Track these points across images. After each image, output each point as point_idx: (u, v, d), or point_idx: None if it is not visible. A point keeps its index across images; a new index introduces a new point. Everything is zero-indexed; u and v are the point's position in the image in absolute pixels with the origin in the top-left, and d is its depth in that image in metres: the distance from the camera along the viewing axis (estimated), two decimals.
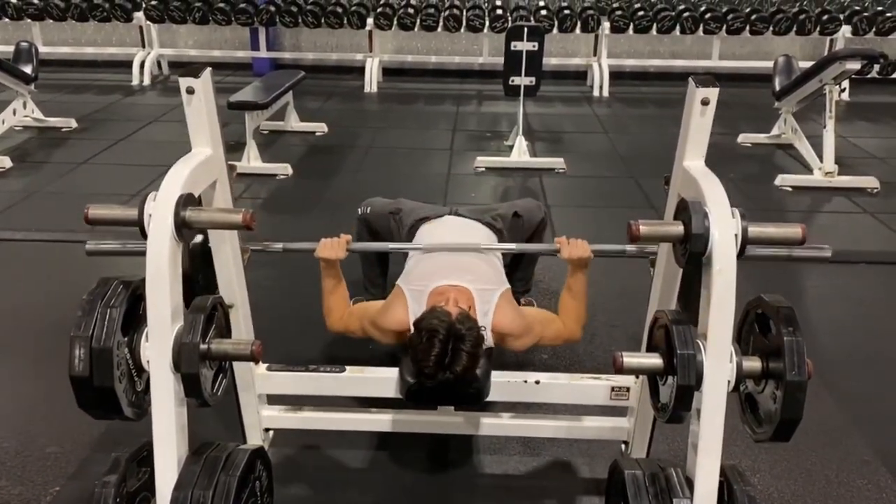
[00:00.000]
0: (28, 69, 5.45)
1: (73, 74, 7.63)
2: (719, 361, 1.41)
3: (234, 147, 4.84)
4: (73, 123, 5.83)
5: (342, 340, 2.89)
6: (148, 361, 1.44)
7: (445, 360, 1.81)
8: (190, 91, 1.61)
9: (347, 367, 2.15)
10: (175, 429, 1.43)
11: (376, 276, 2.78)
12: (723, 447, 1.43)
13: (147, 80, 7.42)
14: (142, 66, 7.45)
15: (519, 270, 2.79)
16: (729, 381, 1.44)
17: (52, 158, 5.25)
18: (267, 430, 2.27)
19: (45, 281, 3.45)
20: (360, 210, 2.74)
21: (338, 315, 2.22)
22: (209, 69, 1.63)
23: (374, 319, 2.15)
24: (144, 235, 1.43)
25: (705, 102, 1.57)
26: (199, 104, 1.62)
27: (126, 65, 7.49)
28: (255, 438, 2.22)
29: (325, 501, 2.16)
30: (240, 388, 2.11)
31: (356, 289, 2.76)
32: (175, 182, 1.47)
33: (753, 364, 1.47)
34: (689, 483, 1.45)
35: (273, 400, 2.27)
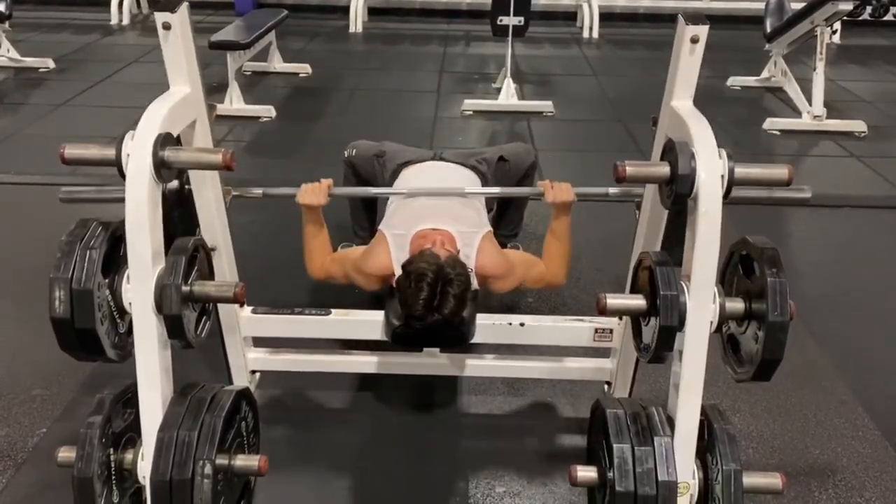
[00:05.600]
0: (2, 7, 5.27)
1: (49, 13, 7.40)
2: (702, 302, 1.42)
3: (216, 88, 4.75)
4: (51, 64, 5.68)
5: (328, 285, 2.89)
6: (130, 303, 1.44)
7: (434, 302, 1.81)
8: (166, 27, 1.56)
9: (333, 311, 2.15)
10: (159, 370, 1.43)
11: (364, 220, 2.76)
12: (704, 387, 1.45)
13: (126, 20, 7.21)
14: (120, 4, 7.22)
15: (507, 215, 2.77)
16: (711, 322, 1.45)
17: (29, 100, 5.13)
18: (253, 372, 2.29)
19: (24, 224, 3.41)
20: (346, 153, 2.70)
21: (319, 262, 2.19)
22: (186, 3, 1.57)
23: (357, 265, 2.15)
24: (123, 176, 1.40)
25: (695, 40, 1.54)
26: (176, 40, 1.58)
27: (104, 3, 7.25)
28: (241, 380, 2.23)
29: (311, 441, 2.19)
30: (225, 331, 2.12)
31: (345, 234, 2.75)
32: (153, 121, 1.43)
33: (736, 305, 1.48)
34: (671, 422, 1.47)
35: (259, 342, 2.28)
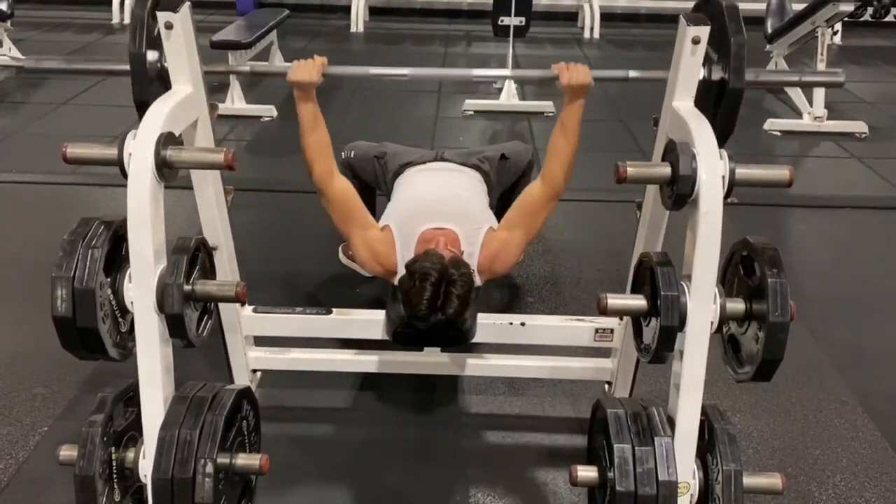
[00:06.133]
0: (3, 6, 5.28)
1: (50, 12, 7.41)
2: (703, 303, 1.42)
3: (217, 88, 4.75)
4: None
5: (329, 284, 2.91)
6: (132, 302, 1.44)
7: (437, 303, 1.81)
8: (168, 26, 1.56)
9: (334, 310, 2.16)
10: (160, 369, 1.44)
11: None
12: (704, 387, 1.45)
13: (127, 19, 7.22)
14: (122, 3, 7.23)
15: (508, 208, 2.77)
16: (712, 323, 1.45)
17: (31, 99, 5.13)
18: (254, 371, 2.29)
19: (25, 223, 3.41)
20: (343, 154, 2.69)
21: (323, 164, 2.06)
22: (188, 3, 1.58)
23: (367, 234, 2.08)
24: (125, 175, 1.40)
25: (696, 41, 1.54)
26: (179, 40, 1.58)
27: (105, 2, 7.26)
28: (242, 379, 2.23)
29: (312, 440, 2.19)
30: (226, 330, 2.12)
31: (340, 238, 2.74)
32: (155, 120, 1.43)
33: (737, 305, 1.48)
34: (671, 422, 1.47)
35: (260, 341, 2.28)
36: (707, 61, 1.62)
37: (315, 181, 2.07)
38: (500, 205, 2.70)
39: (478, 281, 2.04)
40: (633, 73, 1.88)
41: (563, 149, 2.03)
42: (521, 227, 2.09)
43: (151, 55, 1.63)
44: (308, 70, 1.97)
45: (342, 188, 2.09)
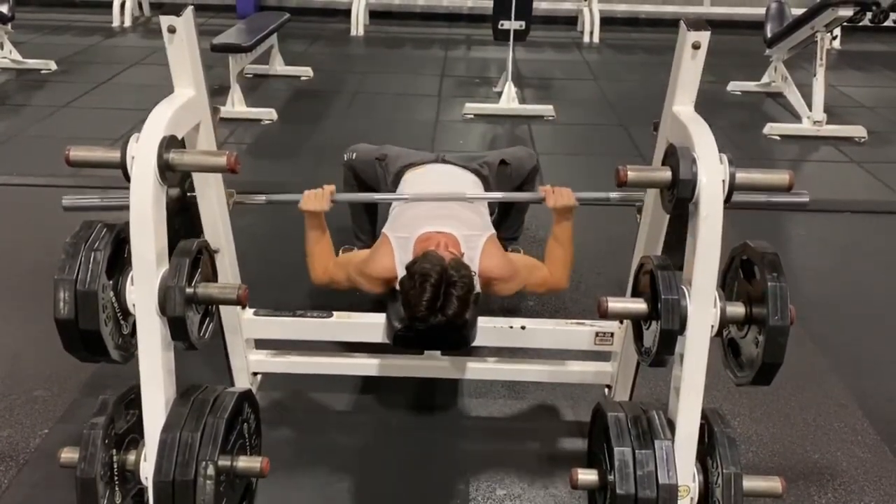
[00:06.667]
0: (4, 8, 5.29)
1: (51, 15, 7.41)
2: (703, 306, 1.42)
3: (217, 91, 4.75)
4: (53, 66, 5.69)
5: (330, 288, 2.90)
6: (134, 305, 1.44)
7: (437, 304, 1.82)
8: (171, 30, 1.57)
9: (334, 313, 2.16)
10: (162, 371, 1.44)
11: (365, 223, 2.77)
12: (704, 391, 1.45)
13: (128, 22, 7.23)
14: (122, 6, 7.24)
15: (508, 219, 2.78)
16: (712, 326, 1.45)
17: (31, 101, 5.14)
18: (255, 374, 2.29)
19: (26, 226, 3.41)
20: (345, 156, 2.71)
21: (322, 267, 2.19)
22: (191, 7, 1.58)
23: (361, 268, 2.15)
24: (127, 178, 1.40)
25: (696, 46, 1.55)
26: (181, 44, 1.59)
27: (106, 5, 7.27)
28: (243, 382, 2.24)
29: (312, 443, 2.20)
30: (227, 333, 2.12)
31: (345, 236, 2.75)
32: (158, 123, 1.44)
33: (737, 309, 1.48)
34: (671, 425, 1.47)
35: (261, 344, 2.28)
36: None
37: (311, 277, 2.20)
38: (501, 213, 2.71)
39: (476, 286, 2.05)
40: (613, 195, 2.05)
41: (559, 256, 2.17)
42: (520, 271, 2.17)
43: None
44: (318, 200, 2.08)
45: (335, 276, 2.19)
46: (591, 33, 7.19)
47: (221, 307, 1.93)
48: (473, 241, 2.10)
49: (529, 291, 2.32)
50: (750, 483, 1.46)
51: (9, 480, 2.00)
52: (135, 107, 4.70)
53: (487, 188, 2.51)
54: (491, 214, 2.48)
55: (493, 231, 2.21)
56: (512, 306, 2.76)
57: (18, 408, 2.26)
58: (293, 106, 5.15)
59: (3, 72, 5.60)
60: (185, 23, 1.57)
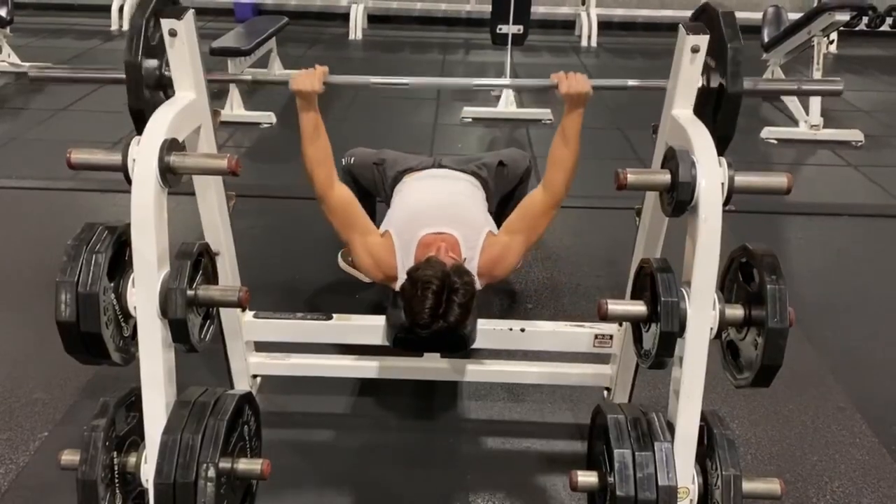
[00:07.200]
0: (3, 12, 5.29)
1: (49, 18, 7.42)
2: (702, 309, 1.43)
3: (216, 94, 4.75)
4: None
5: (329, 290, 2.91)
6: (135, 307, 1.44)
7: (439, 311, 1.82)
8: (172, 34, 1.57)
9: (334, 315, 2.16)
10: (163, 374, 1.44)
11: None
12: (703, 393, 1.46)
13: (126, 25, 7.23)
14: (120, 10, 7.24)
15: (505, 214, 2.78)
16: (711, 329, 1.46)
17: (30, 105, 5.14)
18: (255, 376, 2.29)
19: (25, 229, 3.41)
20: (343, 160, 2.71)
21: (324, 172, 2.05)
22: (192, 10, 1.59)
23: (367, 239, 2.10)
24: (129, 181, 1.41)
25: (695, 50, 1.56)
26: (182, 47, 1.59)
27: (104, 9, 7.27)
28: (242, 385, 2.24)
29: (312, 445, 2.20)
30: (227, 335, 2.12)
31: (339, 244, 2.75)
32: (159, 126, 1.44)
33: (736, 312, 1.49)
34: (671, 427, 1.48)
35: (260, 347, 2.28)
36: (705, 69, 1.63)
37: (316, 189, 2.07)
38: (499, 211, 2.72)
39: (478, 285, 2.05)
40: (631, 82, 1.87)
41: (563, 157, 2.04)
42: (521, 232, 2.11)
43: (148, 63, 1.62)
44: (310, 79, 1.99)
45: (342, 195, 2.10)
46: (589, 37, 7.20)
47: (221, 309, 1.94)
48: (474, 241, 2.10)
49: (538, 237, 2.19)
50: (749, 485, 1.46)
51: (8, 483, 2.00)
52: None
53: (486, 189, 2.52)
54: (490, 211, 2.48)
55: (491, 226, 2.20)
56: (511, 308, 2.77)
57: (18, 410, 2.26)
58: (292, 109, 5.07)
59: (1, 75, 5.60)
60: (186, 26, 1.57)
